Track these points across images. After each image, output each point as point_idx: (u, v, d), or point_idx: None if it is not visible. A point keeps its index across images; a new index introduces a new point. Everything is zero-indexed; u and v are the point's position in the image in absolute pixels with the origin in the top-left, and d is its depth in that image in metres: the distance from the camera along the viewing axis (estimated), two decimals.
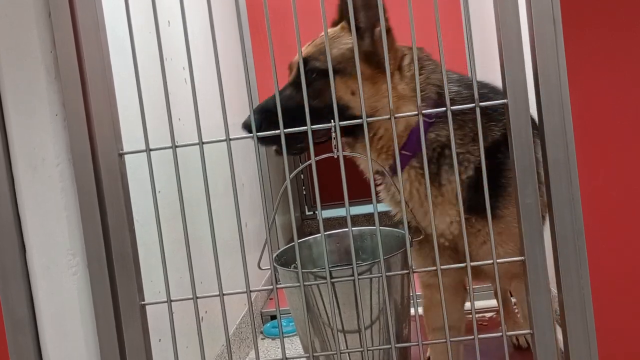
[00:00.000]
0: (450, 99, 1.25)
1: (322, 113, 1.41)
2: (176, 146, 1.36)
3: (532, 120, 1.29)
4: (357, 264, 1.34)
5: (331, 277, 1.35)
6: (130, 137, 1.45)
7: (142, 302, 1.39)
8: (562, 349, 1.39)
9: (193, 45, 1.35)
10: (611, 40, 1.37)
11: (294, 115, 1.32)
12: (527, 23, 1.31)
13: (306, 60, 1.52)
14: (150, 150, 1.37)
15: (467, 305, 2.63)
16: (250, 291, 1.40)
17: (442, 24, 1.27)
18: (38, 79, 1.37)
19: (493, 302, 2.87)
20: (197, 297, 1.39)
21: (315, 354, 1.41)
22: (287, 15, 3.51)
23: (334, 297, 1.37)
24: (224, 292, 1.39)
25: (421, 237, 1.65)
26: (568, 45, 1.27)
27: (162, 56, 1.32)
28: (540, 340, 1.34)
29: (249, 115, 1.31)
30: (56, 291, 1.40)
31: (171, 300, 1.40)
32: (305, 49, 1.58)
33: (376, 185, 1.66)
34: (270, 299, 3.72)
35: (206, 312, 2.45)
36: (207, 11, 1.32)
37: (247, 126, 1.41)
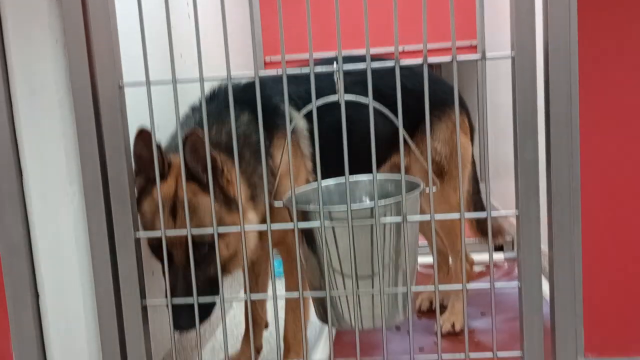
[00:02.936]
0: None
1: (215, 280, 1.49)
2: (177, 81, 1.34)
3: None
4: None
5: (330, 218, 1.35)
6: (131, 72, 1.43)
7: (137, 235, 1.41)
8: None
9: None
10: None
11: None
12: None
13: (196, 244, 1.46)
14: (151, 83, 1.36)
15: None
16: (245, 230, 1.41)
17: None
18: (39, 2, 1.34)
19: (481, 257, 2.91)
20: (191, 233, 1.40)
21: (305, 294, 1.43)
22: None
23: (333, 239, 1.37)
24: (219, 231, 1.41)
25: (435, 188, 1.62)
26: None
27: None
28: (527, 294, 1.36)
29: None
30: (52, 218, 1.41)
31: (166, 234, 1.41)
32: (182, 225, 1.51)
33: None
34: None
35: None
36: None
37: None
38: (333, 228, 1.40)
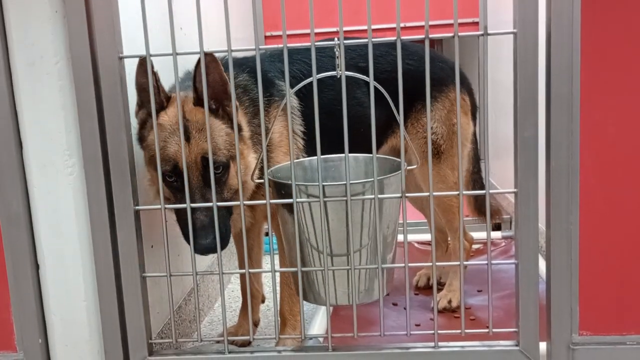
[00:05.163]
0: None
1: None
2: (177, 54, 1.34)
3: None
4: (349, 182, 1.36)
5: (324, 194, 1.37)
6: (131, 45, 1.42)
7: (137, 207, 1.41)
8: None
9: None
10: None
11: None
12: None
13: (206, 158, 1.49)
14: (151, 55, 1.35)
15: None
16: (244, 204, 1.41)
17: None
18: None
19: (479, 235, 2.93)
20: (190, 205, 1.40)
21: (303, 269, 1.44)
22: None
23: (324, 216, 1.38)
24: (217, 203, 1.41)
25: (415, 166, 1.68)
26: None
27: None
28: (524, 272, 1.37)
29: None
30: (52, 190, 1.42)
31: (165, 208, 1.42)
32: (197, 145, 1.53)
33: None
34: None
35: None
36: None
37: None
38: (311, 205, 1.41)
